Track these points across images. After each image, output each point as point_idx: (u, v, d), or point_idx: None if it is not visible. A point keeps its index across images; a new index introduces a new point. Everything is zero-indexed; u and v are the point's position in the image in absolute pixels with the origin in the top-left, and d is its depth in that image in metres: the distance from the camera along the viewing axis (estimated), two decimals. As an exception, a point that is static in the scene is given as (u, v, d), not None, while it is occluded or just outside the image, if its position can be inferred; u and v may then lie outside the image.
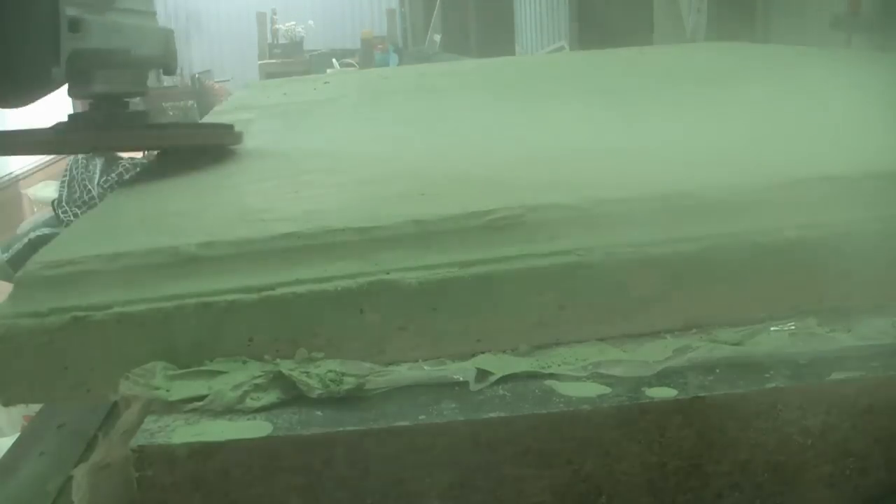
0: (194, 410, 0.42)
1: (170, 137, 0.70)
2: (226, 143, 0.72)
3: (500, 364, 0.44)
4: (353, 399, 0.42)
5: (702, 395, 0.41)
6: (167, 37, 0.70)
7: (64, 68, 0.53)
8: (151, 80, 0.71)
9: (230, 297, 0.44)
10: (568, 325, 0.46)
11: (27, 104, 0.53)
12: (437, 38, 4.82)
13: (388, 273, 0.45)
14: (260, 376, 0.43)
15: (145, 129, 0.67)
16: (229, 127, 0.74)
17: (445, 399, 0.42)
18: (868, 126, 0.65)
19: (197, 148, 0.69)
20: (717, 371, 0.43)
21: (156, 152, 0.81)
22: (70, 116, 0.64)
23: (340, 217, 0.49)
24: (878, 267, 0.47)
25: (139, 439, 0.39)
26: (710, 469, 0.41)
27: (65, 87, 0.57)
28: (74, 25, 0.53)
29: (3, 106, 0.53)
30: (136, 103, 0.66)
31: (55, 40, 0.51)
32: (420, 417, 0.40)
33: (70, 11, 0.52)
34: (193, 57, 6.35)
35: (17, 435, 0.75)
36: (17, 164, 4.17)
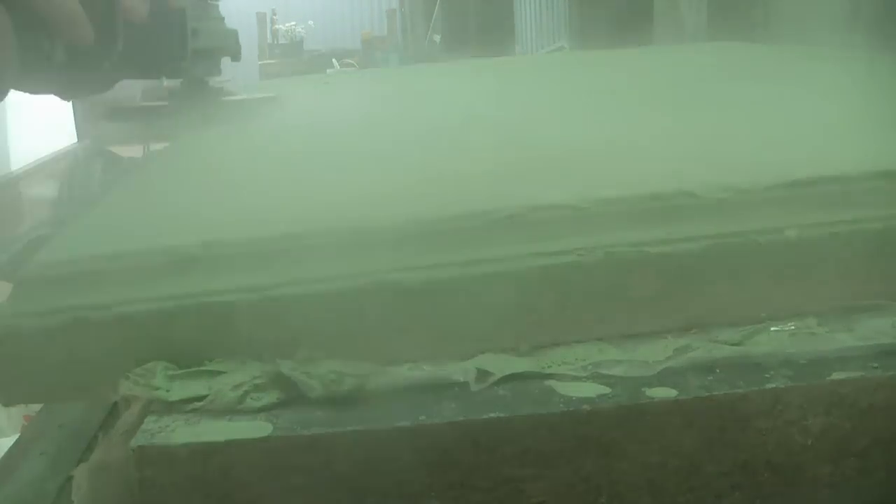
0: (194, 410, 0.42)
1: (239, 109, 0.93)
2: (275, 111, 0.96)
3: (500, 364, 0.44)
4: (353, 399, 0.42)
5: (702, 395, 0.41)
6: (235, 34, 0.93)
7: (189, 61, 0.81)
8: (154, 82, 0.94)
9: (230, 297, 0.44)
10: (568, 325, 0.46)
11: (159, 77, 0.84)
12: (437, 38, 4.82)
13: (388, 273, 0.45)
14: (260, 376, 0.43)
15: (220, 103, 0.91)
16: (275, 97, 0.99)
17: (445, 399, 0.42)
18: (868, 126, 0.65)
19: (247, 116, 0.92)
20: (717, 371, 0.43)
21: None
22: (170, 93, 0.91)
23: (340, 217, 0.49)
24: (878, 267, 0.47)
25: (139, 439, 0.39)
26: (710, 469, 0.41)
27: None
28: (195, 32, 0.81)
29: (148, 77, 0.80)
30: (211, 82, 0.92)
31: (185, 44, 0.78)
32: (420, 417, 0.40)
33: (192, 24, 0.80)
34: (193, 57, 6.34)
35: (17, 435, 0.75)
36: (18, 164, 4.18)
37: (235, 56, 0.94)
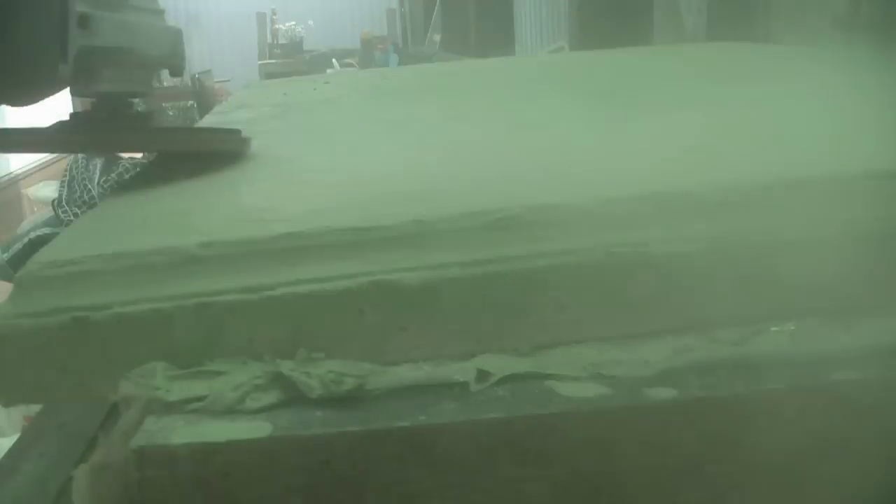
0: (194, 411, 0.42)
1: (171, 142, 0.67)
2: (230, 150, 0.68)
3: (500, 364, 0.44)
4: (353, 399, 0.42)
5: (702, 395, 0.41)
6: (175, 37, 0.68)
7: (71, 66, 0.51)
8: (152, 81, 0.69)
9: (230, 297, 0.44)
10: (568, 325, 0.46)
11: (33, 102, 0.52)
12: (437, 38, 4.82)
13: (388, 273, 0.45)
14: (260, 377, 0.43)
15: (147, 132, 0.65)
16: (235, 132, 0.70)
17: (445, 399, 0.42)
18: (868, 126, 0.65)
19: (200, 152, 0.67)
20: (717, 371, 0.43)
21: (157, 153, 0.82)
22: (72, 115, 0.63)
23: (340, 217, 0.49)
24: (879, 267, 0.47)
25: (139, 440, 0.39)
26: (710, 469, 0.41)
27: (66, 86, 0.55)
28: (83, 21, 0.52)
29: (9, 104, 0.52)
30: (137, 103, 0.65)
31: (63, 37, 0.50)
32: (420, 417, 0.40)
33: (80, 7, 0.51)
34: (193, 57, 6.34)
35: (17, 435, 0.75)
36: (17, 163, 4.17)
37: (175, 69, 0.68)
